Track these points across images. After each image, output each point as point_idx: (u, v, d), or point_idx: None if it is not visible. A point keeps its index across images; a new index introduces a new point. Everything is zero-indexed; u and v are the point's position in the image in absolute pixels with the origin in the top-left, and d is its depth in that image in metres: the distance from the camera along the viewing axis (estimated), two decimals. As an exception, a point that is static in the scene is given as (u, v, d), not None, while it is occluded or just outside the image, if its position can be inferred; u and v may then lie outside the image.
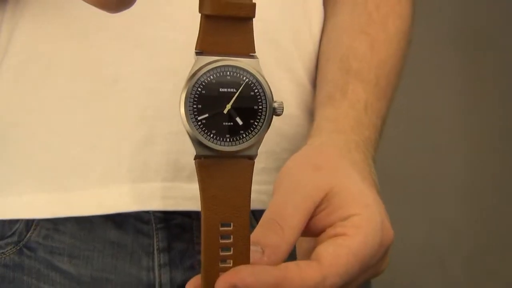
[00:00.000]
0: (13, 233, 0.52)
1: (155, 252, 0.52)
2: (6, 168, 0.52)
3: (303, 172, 0.42)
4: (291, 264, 0.38)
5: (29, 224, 0.51)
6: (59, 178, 0.51)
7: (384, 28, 0.56)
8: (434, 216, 1.63)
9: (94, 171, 0.50)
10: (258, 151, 0.52)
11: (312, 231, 0.41)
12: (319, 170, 0.42)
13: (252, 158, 0.37)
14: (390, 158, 1.56)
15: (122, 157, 0.50)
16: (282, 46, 0.54)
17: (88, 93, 0.50)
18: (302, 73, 0.55)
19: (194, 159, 0.37)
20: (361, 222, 0.40)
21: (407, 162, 1.60)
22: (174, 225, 0.52)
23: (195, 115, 0.36)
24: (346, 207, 0.40)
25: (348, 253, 0.39)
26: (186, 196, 0.51)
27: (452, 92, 1.63)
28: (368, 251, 0.39)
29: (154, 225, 0.52)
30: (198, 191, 0.36)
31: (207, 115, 0.36)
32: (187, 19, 0.50)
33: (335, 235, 0.40)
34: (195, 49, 0.36)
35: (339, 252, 0.38)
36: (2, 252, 0.52)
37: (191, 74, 0.36)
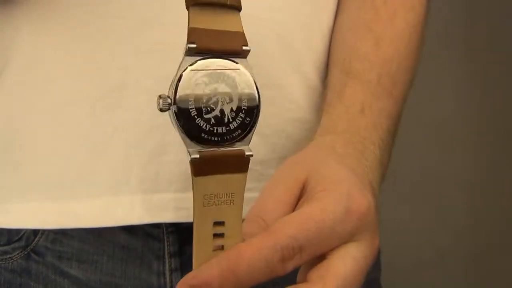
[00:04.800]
0: (20, 238, 0.51)
1: (166, 256, 0.51)
2: (12, 174, 0.51)
3: (283, 169, 0.43)
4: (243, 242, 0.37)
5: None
6: (66, 185, 0.49)
7: (391, 24, 0.54)
8: (435, 215, 1.63)
9: (102, 179, 0.49)
10: (270, 156, 0.51)
11: None
12: (297, 165, 0.43)
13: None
14: (391, 158, 1.55)
15: (132, 166, 0.49)
16: (294, 48, 0.53)
17: (95, 98, 0.49)
18: (314, 76, 0.55)
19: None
20: (323, 195, 0.39)
21: (407, 162, 1.60)
22: (185, 228, 0.51)
23: None
24: (315, 188, 0.40)
25: (298, 216, 0.38)
26: None
27: (455, 92, 1.63)
28: (328, 215, 0.38)
29: (164, 228, 0.51)
30: None
31: None
32: None
33: None
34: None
35: (291, 218, 0.38)
36: (9, 257, 0.51)
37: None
